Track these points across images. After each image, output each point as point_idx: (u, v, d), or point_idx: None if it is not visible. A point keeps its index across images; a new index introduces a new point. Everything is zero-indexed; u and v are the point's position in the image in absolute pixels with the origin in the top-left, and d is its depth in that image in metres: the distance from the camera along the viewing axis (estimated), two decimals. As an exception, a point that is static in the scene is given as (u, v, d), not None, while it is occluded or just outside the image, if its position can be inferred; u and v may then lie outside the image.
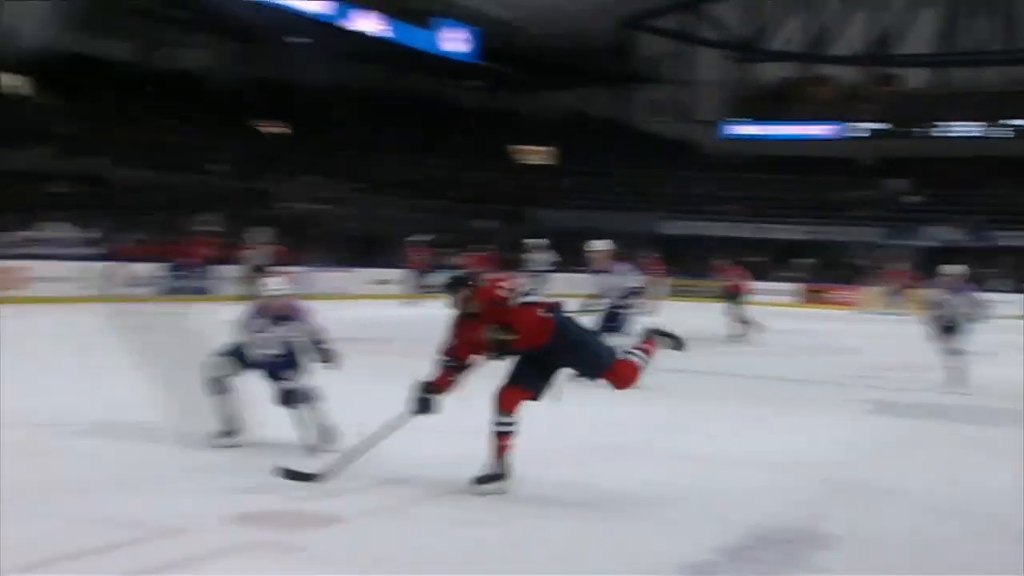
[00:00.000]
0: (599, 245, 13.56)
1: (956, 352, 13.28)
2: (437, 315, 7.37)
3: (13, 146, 31.48)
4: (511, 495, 6.69)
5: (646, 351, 7.24)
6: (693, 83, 52.88)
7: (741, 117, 52.15)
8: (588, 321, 12.06)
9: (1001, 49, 46.62)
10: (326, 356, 8.07)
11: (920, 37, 47.92)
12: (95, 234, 27.13)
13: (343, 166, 41.61)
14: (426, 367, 6.78)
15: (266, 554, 5.52)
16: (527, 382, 6.82)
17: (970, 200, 42.80)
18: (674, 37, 51.80)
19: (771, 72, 53.71)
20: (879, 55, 49.37)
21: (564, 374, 7.07)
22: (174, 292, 25.03)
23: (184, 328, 17.07)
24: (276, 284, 8.53)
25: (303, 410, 7.70)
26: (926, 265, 27.70)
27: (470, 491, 6.72)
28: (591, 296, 13.30)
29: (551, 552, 5.68)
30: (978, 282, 16.75)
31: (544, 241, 30.07)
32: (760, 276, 26.81)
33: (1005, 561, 5.84)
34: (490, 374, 6.76)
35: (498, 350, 6.84)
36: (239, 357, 7.99)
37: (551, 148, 49.66)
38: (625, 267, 13.48)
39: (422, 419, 6.94)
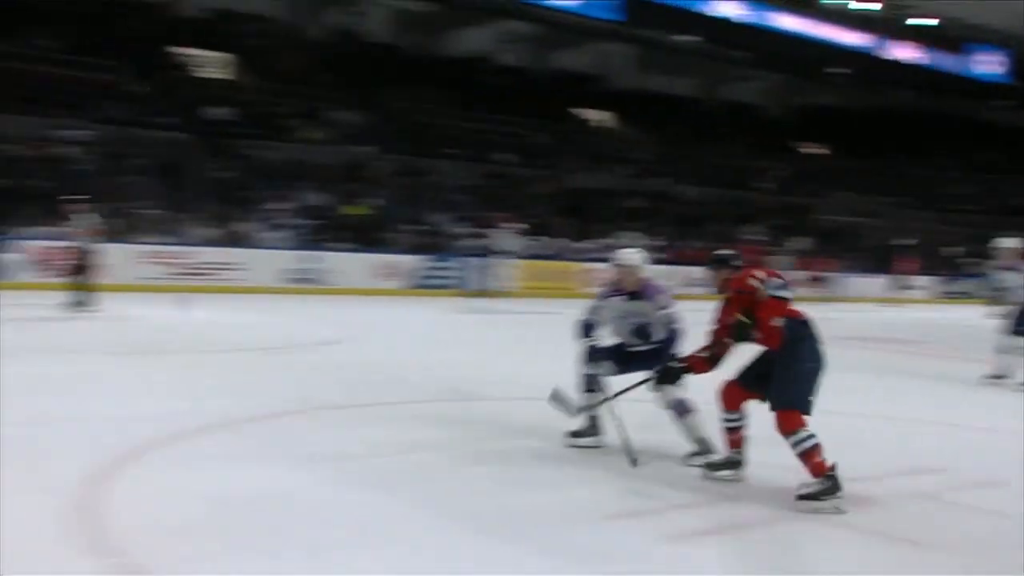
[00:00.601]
0: (1009, 243, 12.85)
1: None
2: (965, 319, 7.86)
3: (599, 168, 36.06)
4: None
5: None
6: None
7: None
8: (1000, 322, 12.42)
9: None
10: (671, 340, 7.42)
11: None
12: (660, 242, 30.32)
13: (879, 182, 42.67)
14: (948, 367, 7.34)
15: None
16: (748, 380, 6.63)
17: None
18: None
19: None
20: None
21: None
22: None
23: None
24: (628, 255, 7.79)
25: (683, 421, 7.17)
26: None
27: (704, 476, 6.75)
28: (994, 295, 12.83)
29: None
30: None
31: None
32: None
33: None
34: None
35: (737, 338, 6.75)
36: (615, 357, 7.57)
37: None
38: None
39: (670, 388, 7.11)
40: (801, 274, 26.82)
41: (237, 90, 32.26)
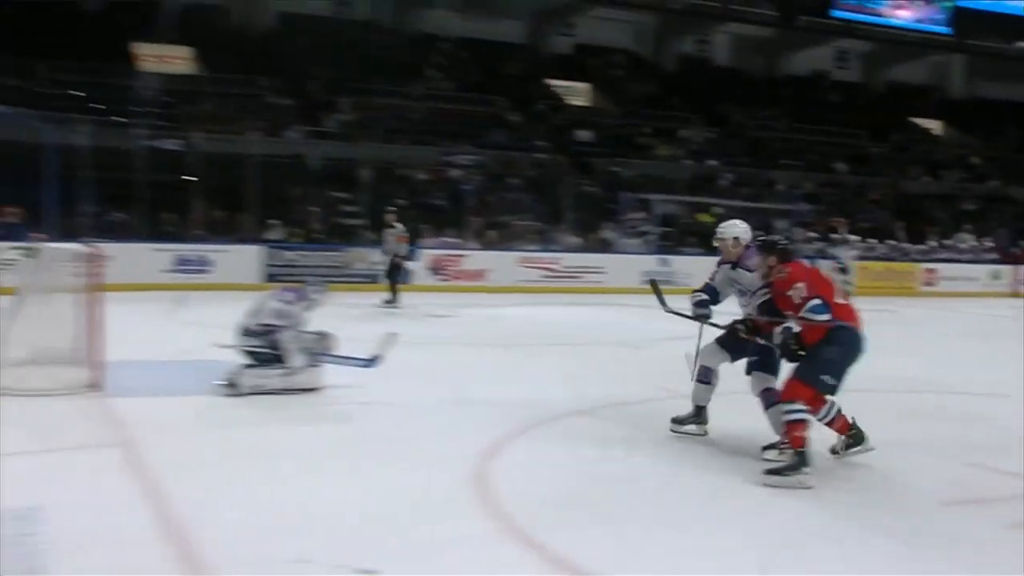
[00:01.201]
0: None
1: None
2: None
3: (932, 174, 34.39)
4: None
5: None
6: None
7: None
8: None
9: None
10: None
11: None
12: (992, 243, 28.94)
13: None
14: None
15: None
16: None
17: None
18: None
19: None
20: None
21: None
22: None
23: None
24: (729, 227, 7.28)
25: (771, 412, 6.73)
26: None
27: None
28: None
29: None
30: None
31: None
32: None
33: None
34: None
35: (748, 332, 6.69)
36: (730, 345, 7.15)
37: None
38: None
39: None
40: None
41: (598, 115, 32.95)
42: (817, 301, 6.24)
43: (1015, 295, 26.08)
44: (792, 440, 6.15)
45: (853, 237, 25.30)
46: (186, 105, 26.12)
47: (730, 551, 4.89)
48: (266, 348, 8.45)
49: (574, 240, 24.97)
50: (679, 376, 9.94)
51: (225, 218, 22.05)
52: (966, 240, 29.10)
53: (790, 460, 6.13)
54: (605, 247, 25.07)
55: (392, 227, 17.78)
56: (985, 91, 39.25)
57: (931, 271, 26.54)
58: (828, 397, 6.45)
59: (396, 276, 17.43)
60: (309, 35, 29.62)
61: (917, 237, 28.90)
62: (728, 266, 7.27)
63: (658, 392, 9.06)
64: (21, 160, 18.91)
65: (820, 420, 6.46)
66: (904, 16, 34.04)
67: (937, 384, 10.26)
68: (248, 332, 8.56)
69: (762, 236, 6.99)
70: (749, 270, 6.99)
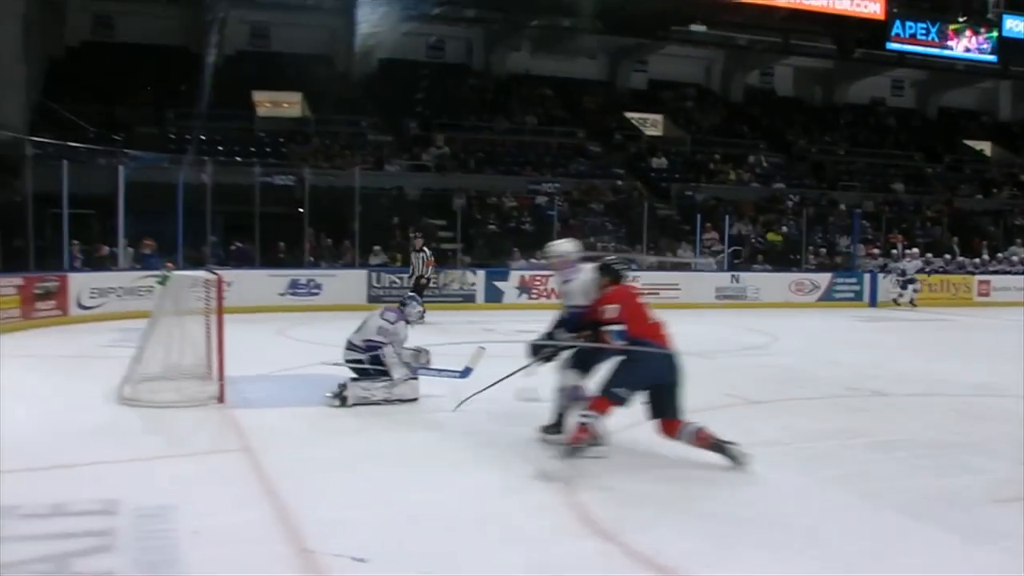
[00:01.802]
0: None
1: None
2: None
3: (983, 192, 33.80)
4: None
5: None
6: None
7: None
8: None
9: None
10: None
11: None
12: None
13: None
14: None
15: None
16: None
17: None
18: None
19: None
20: None
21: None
22: None
23: None
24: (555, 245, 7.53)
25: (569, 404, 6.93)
26: None
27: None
28: None
29: None
30: None
31: None
32: None
33: None
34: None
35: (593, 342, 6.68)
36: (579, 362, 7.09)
37: None
38: None
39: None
40: None
41: (672, 144, 32.75)
42: (621, 328, 6.50)
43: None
44: (575, 436, 6.41)
45: (912, 251, 24.84)
46: (297, 144, 26.67)
47: (805, 547, 4.81)
48: (370, 363, 8.55)
49: (651, 259, 24.80)
50: (747, 385, 9.85)
51: (333, 245, 22.37)
52: (1017, 253, 28.38)
53: (566, 451, 6.38)
54: (680, 266, 24.88)
55: (422, 251, 18.14)
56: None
57: (985, 283, 25.91)
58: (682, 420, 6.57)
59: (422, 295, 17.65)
60: (406, 78, 30.05)
61: (971, 251, 28.23)
62: (559, 279, 7.50)
63: (727, 399, 9.00)
64: (155, 198, 19.46)
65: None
66: (954, 47, 33.58)
67: (994, 388, 9.99)
68: (354, 348, 8.66)
69: (609, 259, 7.09)
70: (569, 280, 7.26)
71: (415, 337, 9.26)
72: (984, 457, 6.71)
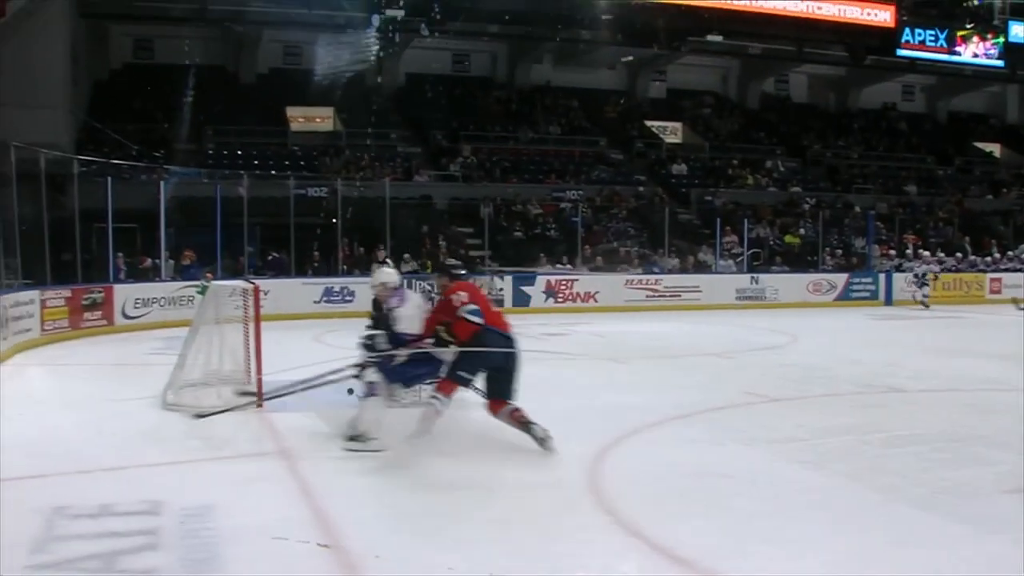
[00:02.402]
0: None
1: None
2: None
3: (992, 193, 33.56)
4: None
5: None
6: None
7: None
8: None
9: None
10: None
11: None
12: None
13: None
14: None
15: None
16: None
17: None
18: None
19: None
20: None
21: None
22: None
23: None
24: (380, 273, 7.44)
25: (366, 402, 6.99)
26: None
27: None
28: None
29: None
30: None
31: None
32: None
33: None
34: None
35: (436, 339, 6.79)
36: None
37: None
38: None
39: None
40: None
41: (691, 150, 32.67)
42: (474, 307, 6.83)
43: None
44: (426, 416, 6.76)
45: (924, 252, 24.64)
46: (329, 157, 26.82)
47: (821, 540, 4.79)
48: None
49: (673, 263, 24.74)
50: (766, 383, 9.82)
51: (365, 254, 22.46)
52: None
53: (418, 430, 6.70)
54: (701, 268, 24.80)
55: (384, 264, 17.47)
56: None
57: (996, 280, 25.65)
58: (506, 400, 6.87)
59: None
60: (433, 91, 30.17)
61: (982, 250, 27.97)
62: (384, 307, 7.35)
63: (748, 398, 8.98)
64: (194, 211, 19.63)
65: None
66: (962, 53, 33.37)
67: (1005, 382, 9.88)
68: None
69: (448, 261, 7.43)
70: (393, 308, 7.14)
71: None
72: (996, 450, 6.66)
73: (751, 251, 25.30)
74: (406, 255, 22.08)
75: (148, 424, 7.56)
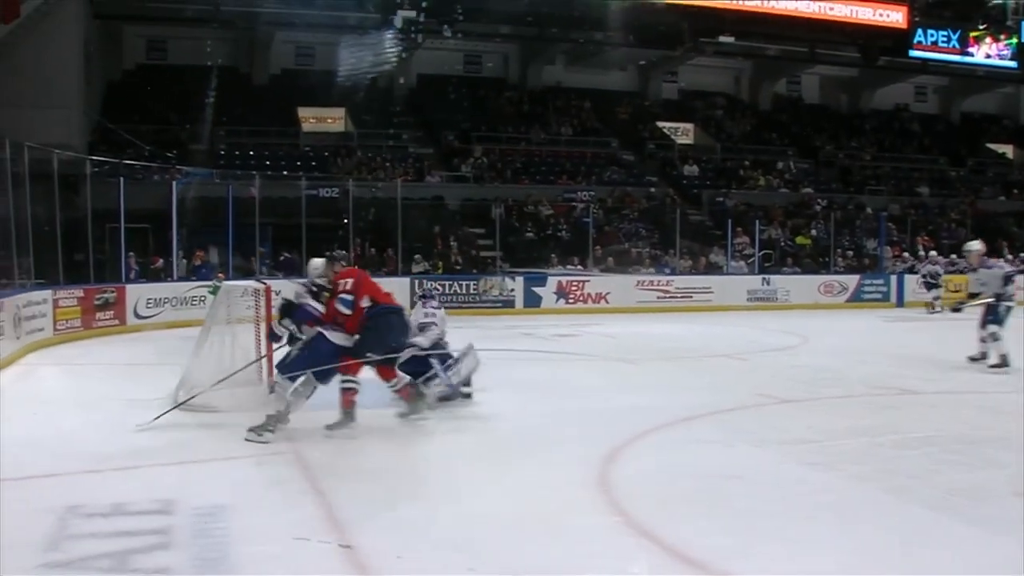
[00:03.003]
0: (973, 246, 12.17)
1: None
2: None
3: (1005, 194, 33.45)
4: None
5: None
6: None
7: None
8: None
9: None
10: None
11: None
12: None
13: None
14: None
15: None
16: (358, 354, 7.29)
17: None
18: None
19: None
20: None
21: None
22: None
23: None
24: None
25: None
26: None
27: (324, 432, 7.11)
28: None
29: None
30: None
31: None
32: None
33: None
34: None
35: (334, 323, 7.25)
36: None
37: None
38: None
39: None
40: None
41: (702, 151, 32.63)
42: (348, 298, 7.28)
43: None
44: (344, 403, 7.28)
45: (932, 253, 24.41)
46: (341, 158, 26.86)
47: (832, 541, 4.77)
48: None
49: (684, 264, 24.71)
50: (778, 385, 9.80)
51: (376, 254, 22.49)
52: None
53: (341, 418, 7.24)
54: (712, 270, 24.76)
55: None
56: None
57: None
58: (398, 371, 7.69)
59: None
60: (445, 92, 30.19)
61: (994, 252, 27.76)
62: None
63: (759, 399, 8.95)
64: (207, 212, 19.69)
65: (391, 388, 7.55)
66: (974, 54, 33.24)
67: (1017, 384, 9.78)
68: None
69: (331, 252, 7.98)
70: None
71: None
72: (1008, 452, 6.61)
73: (762, 252, 25.24)
74: (417, 256, 22.12)
75: (160, 423, 7.58)
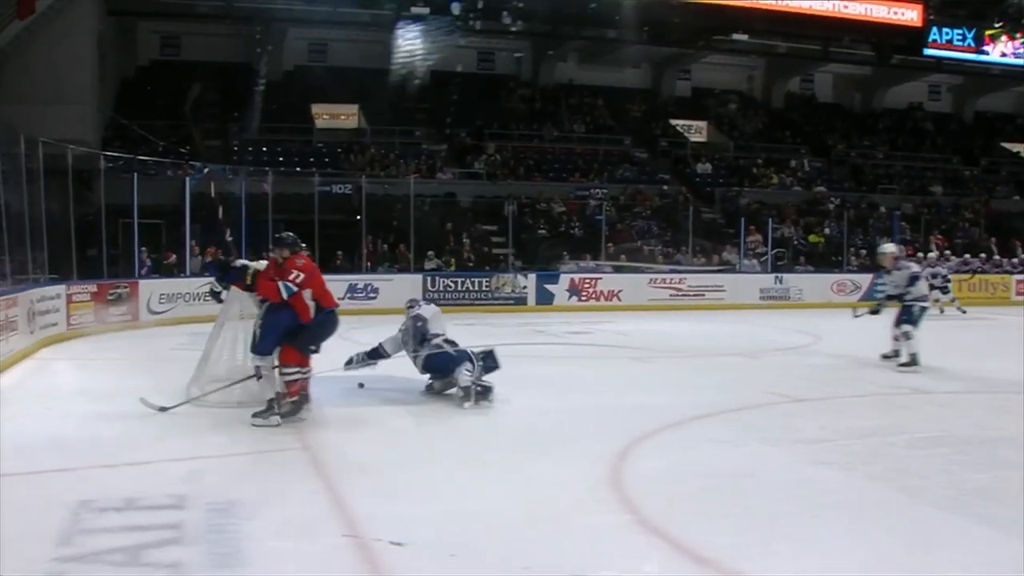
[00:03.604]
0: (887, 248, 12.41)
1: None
2: None
3: (1019, 194, 33.26)
4: None
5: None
6: None
7: None
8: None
9: None
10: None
11: None
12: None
13: None
14: None
15: None
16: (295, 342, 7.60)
17: None
18: None
19: None
20: None
21: None
22: None
23: None
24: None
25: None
26: None
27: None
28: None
29: None
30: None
31: None
32: None
33: None
34: None
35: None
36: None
37: None
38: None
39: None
40: None
41: (715, 149, 32.57)
42: (293, 288, 7.56)
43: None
44: (291, 392, 7.53)
45: (931, 254, 24.02)
46: (354, 154, 26.89)
47: (844, 541, 4.76)
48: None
49: (697, 262, 24.65)
50: (790, 383, 9.77)
51: (389, 251, 22.53)
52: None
53: (289, 407, 7.49)
54: (725, 268, 24.70)
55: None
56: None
57: (1023, 282, 25.50)
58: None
59: None
60: (458, 89, 30.17)
61: (1008, 251, 27.70)
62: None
63: (771, 398, 8.92)
64: (219, 207, 19.73)
65: (283, 376, 7.62)
66: (990, 52, 33.04)
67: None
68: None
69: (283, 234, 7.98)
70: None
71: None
72: (1020, 452, 6.56)
73: (775, 251, 25.17)
74: (429, 252, 22.13)
75: (173, 418, 7.61)
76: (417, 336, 8.88)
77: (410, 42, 28.06)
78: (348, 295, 19.56)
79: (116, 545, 4.57)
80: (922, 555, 4.59)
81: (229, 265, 8.29)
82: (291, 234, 7.96)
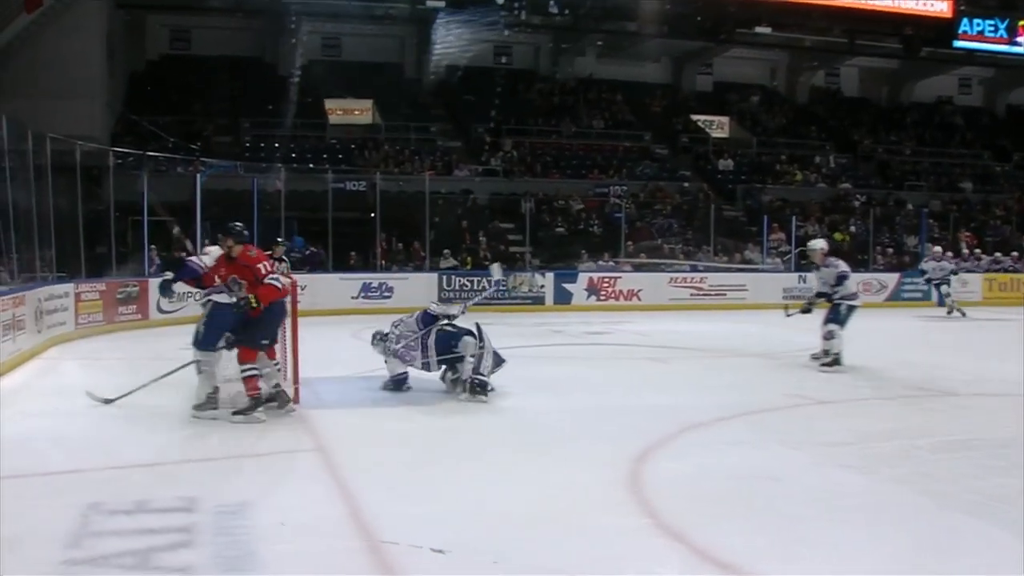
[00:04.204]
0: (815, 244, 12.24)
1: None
2: None
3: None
4: None
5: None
6: None
7: None
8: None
9: None
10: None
11: None
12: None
13: None
14: None
15: None
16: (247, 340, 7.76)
17: None
18: None
19: None
20: None
21: None
22: None
23: None
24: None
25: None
26: None
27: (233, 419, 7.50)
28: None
29: None
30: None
31: None
32: None
33: None
34: None
35: (238, 304, 7.70)
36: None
37: None
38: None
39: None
40: None
41: (738, 145, 32.49)
42: (279, 279, 7.88)
43: None
44: (250, 390, 7.63)
45: (936, 249, 23.48)
46: (368, 151, 26.96)
47: (868, 545, 4.74)
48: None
49: (718, 260, 24.61)
50: (814, 385, 9.74)
51: (404, 249, 22.58)
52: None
53: (248, 404, 7.62)
54: (747, 267, 24.62)
55: (282, 260, 15.90)
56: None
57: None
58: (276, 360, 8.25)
59: None
60: (475, 84, 30.23)
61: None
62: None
63: (794, 399, 8.91)
64: (232, 205, 19.81)
65: (240, 371, 7.75)
66: (1022, 43, 32.75)
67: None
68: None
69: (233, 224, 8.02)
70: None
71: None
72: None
73: (799, 249, 25.05)
74: (445, 250, 22.16)
75: (183, 420, 7.67)
76: (426, 319, 8.98)
77: (425, 36, 28.14)
78: (362, 294, 19.64)
79: (126, 548, 4.60)
80: (947, 560, 4.57)
81: (183, 263, 8.76)
82: (239, 224, 8.09)
